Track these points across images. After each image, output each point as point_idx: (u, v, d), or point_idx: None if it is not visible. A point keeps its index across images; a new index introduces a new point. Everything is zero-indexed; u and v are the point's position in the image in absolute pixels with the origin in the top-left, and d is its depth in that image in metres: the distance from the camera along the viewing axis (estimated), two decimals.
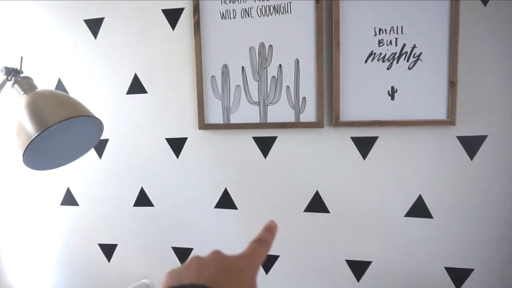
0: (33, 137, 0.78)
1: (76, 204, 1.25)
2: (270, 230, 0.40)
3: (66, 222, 1.27)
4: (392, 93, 0.97)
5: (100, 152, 1.21)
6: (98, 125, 0.91)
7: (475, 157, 0.95)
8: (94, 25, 1.17)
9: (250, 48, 1.04)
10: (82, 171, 1.23)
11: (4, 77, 0.89)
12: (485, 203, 0.96)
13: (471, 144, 0.95)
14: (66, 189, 1.26)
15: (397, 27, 0.95)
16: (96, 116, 0.85)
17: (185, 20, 1.10)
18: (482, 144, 0.95)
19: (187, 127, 1.13)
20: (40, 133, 0.77)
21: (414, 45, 0.94)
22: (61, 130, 0.91)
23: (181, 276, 0.32)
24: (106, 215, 1.23)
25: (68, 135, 0.92)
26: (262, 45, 1.03)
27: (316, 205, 1.06)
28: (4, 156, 1.29)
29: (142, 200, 1.19)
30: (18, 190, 1.29)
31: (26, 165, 0.84)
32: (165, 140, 1.15)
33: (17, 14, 1.22)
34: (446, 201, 0.98)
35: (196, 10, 1.06)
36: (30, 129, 0.79)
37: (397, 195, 1.01)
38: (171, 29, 1.12)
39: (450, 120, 0.93)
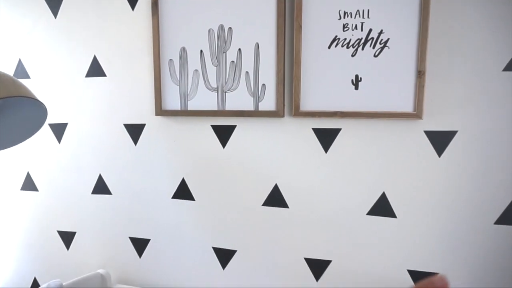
0: None
1: (36, 190, 1.25)
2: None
3: (26, 207, 1.27)
4: (356, 82, 0.92)
5: (59, 137, 1.20)
6: (41, 108, 0.89)
7: (443, 154, 0.91)
8: (54, 4, 1.15)
9: (209, 30, 1.01)
10: (41, 156, 1.23)
11: None
12: (452, 204, 0.91)
13: (440, 140, 0.91)
14: (26, 174, 1.26)
15: (363, 10, 0.90)
16: (39, 99, 0.83)
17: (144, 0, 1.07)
18: (451, 140, 0.90)
19: (145, 113, 1.11)
20: None
21: (381, 30, 0.89)
22: (1, 110, 0.90)
23: None
24: (65, 201, 1.23)
25: (7, 116, 0.91)
26: (221, 27, 1.00)
27: (275, 199, 1.04)
28: None
29: (100, 187, 1.18)
30: None
31: None
32: (123, 126, 1.13)
33: None
34: (411, 200, 0.94)
35: None
36: None
37: (360, 192, 0.97)
38: (130, 9, 1.09)
39: (417, 113, 0.89)
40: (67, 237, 1.25)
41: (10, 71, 1.21)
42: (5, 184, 1.28)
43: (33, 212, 1.27)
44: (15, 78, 0.85)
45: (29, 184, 1.25)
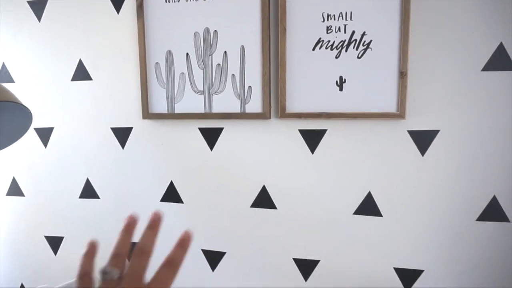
0: None
1: (22, 195, 1.24)
2: (183, 245, 0.42)
3: (12, 212, 1.26)
4: (341, 83, 0.94)
5: (45, 141, 1.20)
6: (26, 113, 0.89)
7: (426, 153, 0.93)
8: (38, 7, 1.15)
9: (194, 33, 1.01)
10: (27, 160, 1.22)
11: None
12: (436, 202, 0.94)
13: (422, 139, 0.93)
14: (12, 179, 1.25)
15: (346, 12, 0.92)
16: (24, 103, 0.83)
17: (130, 2, 1.07)
18: (433, 140, 0.92)
19: (132, 117, 1.11)
20: None
21: (364, 32, 0.91)
22: None
23: None
24: (52, 206, 1.22)
25: None
26: (207, 30, 1.01)
27: (263, 200, 1.05)
28: None
29: (88, 191, 1.18)
30: None
31: None
32: (111, 130, 1.13)
33: None
34: (396, 199, 0.96)
35: None
36: None
37: (346, 192, 0.99)
38: (116, 12, 1.09)
39: (399, 113, 0.91)
40: (55, 242, 1.24)
41: None
42: None
43: (19, 218, 1.26)
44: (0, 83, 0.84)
45: (15, 189, 1.24)
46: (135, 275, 0.38)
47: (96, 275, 0.40)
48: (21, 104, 0.85)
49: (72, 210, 1.20)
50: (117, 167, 1.15)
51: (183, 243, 0.42)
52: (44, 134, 1.19)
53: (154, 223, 0.43)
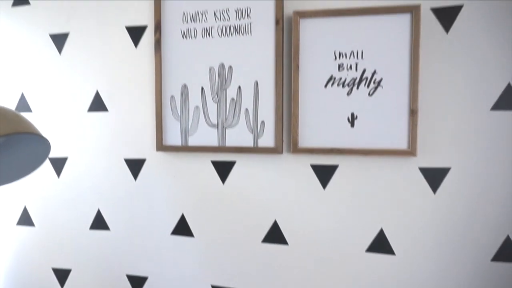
0: None
1: (32, 225, 1.25)
2: None
3: (21, 242, 1.27)
4: (352, 120, 0.97)
5: (58, 171, 1.22)
6: (45, 144, 0.91)
7: (438, 191, 0.94)
8: (60, 40, 1.20)
9: (210, 68, 1.06)
10: (40, 190, 1.24)
11: None
12: (449, 240, 0.94)
13: (434, 176, 0.94)
14: (23, 208, 1.26)
15: (357, 51, 0.96)
16: (42, 134, 0.85)
17: (147, 38, 1.12)
18: (445, 177, 0.93)
19: (146, 148, 1.14)
20: None
21: (375, 70, 0.95)
22: (5, 146, 0.92)
23: None
24: (62, 237, 1.23)
25: (11, 152, 0.93)
26: (222, 65, 1.05)
27: (275, 235, 1.05)
28: None
29: (98, 222, 1.19)
30: None
31: None
32: (124, 161, 1.16)
33: None
34: (409, 236, 0.96)
35: (158, 28, 1.08)
36: None
37: (358, 228, 0.99)
38: (134, 46, 1.14)
39: (411, 151, 0.92)
40: (62, 275, 1.24)
41: (12, 104, 1.24)
42: (1, 218, 1.28)
43: (28, 248, 1.26)
44: (19, 113, 0.88)
45: (25, 219, 1.26)
46: None
47: None
48: (41, 136, 0.88)
49: (82, 242, 1.21)
50: (128, 199, 1.16)
51: None
52: (58, 164, 1.21)
53: None
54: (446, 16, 0.91)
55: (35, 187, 1.24)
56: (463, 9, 0.90)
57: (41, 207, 1.25)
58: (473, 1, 0.89)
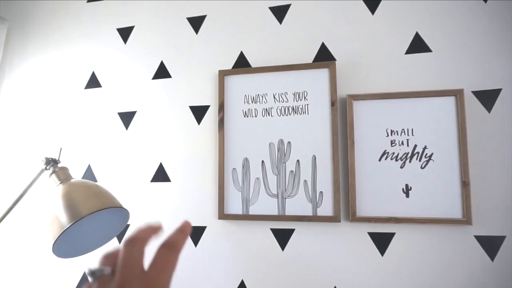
0: (65, 228, 0.88)
1: None
2: (184, 231, 0.39)
3: None
4: (407, 190, 1.05)
5: (120, 238, 1.30)
6: (124, 214, 1.01)
7: (496, 258, 0.99)
8: (127, 117, 1.35)
9: (270, 144, 1.17)
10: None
11: (44, 166, 1.02)
12: None
13: (490, 244, 1.00)
14: (82, 274, 1.32)
15: (407, 129, 1.07)
16: (122, 205, 0.95)
17: (210, 116, 1.26)
18: (501, 245, 0.99)
19: (207, 217, 1.22)
20: (72, 224, 0.87)
21: (425, 146, 1.05)
22: (91, 220, 1.02)
23: None
24: None
25: (96, 224, 1.03)
26: (281, 141, 1.16)
27: None
28: (23, 240, 1.39)
29: None
30: (39, 274, 1.37)
31: (55, 254, 0.93)
32: None
33: (58, 105, 1.41)
34: None
35: (221, 108, 1.22)
36: (64, 219, 0.90)
37: None
38: (196, 123, 1.27)
39: (466, 220, 1.00)
40: None
41: (79, 175, 1.36)
42: (60, 285, 1.34)
43: None
44: (102, 187, 0.98)
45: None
46: (130, 263, 0.34)
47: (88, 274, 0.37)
48: (123, 208, 0.97)
49: None
50: (188, 265, 1.22)
51: (184, 229, 0.39)
52: (120, 233, 1.29)
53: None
54: (488, 98, 1.03)
55: (97, 255, 1.31)
56: (502, 92, 1.03)
57: None
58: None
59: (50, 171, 1.02)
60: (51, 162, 1.03)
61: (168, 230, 1.24)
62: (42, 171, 1.03)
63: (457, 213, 1.01)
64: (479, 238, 1.01)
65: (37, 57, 1.46)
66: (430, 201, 1.04)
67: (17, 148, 1.43)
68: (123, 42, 1.38)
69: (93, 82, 1.39)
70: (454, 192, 1.02)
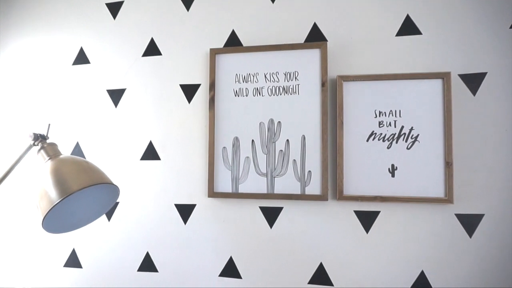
0: (55, 203, 0.88)
1: (80, 266, 1.32)
2: None
3: (67, 285, 1.33)
4: (393, 170, 1.09)
5: (109, 215, 1.31)
6: (114, 190, 1.02)
7: (473, 235, 1.04)
8: (116, 95, 1.34)
9: (260, 123, 1.19)
10: (89, 233, 1.32)
11: (32, 142, 1.02)
12: (485, 279, 1.03)
13: (469, 222, 1.05)
14: (72, 251, 1.33)
15: (395, 110, 1.10)
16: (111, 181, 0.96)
17: (200, 94, 1.27)
18: (479, 223, 1.04)
19: (196, 195, 1.24)
20: (62, 200, 0.87)
21: (412, 127, 1.09)
22: (80, 196, 1.02)
23: None
24: (109, 279, 1.29)
25: (85, 200, 1.03)
26: (271, 121, 1.18)
27: (320, 277, 1.13)
28: (11, 215, 1.39)
29: (147, 265, 1.27)
30: (28, 250, 1.37)
31: (45, 229, 0.93)
32: (174, 206, 1.26)
33: (46, 81, 1.40)
34: (448, 278, 1.05)
35: (212, 87, 1.22)
36: (53, 195, 0.90)
37: (400, 270, 1.09)
38: (187, 102, 1.28)
39: (448, 199, 1.04)
40: None
41: (67, 152, 1.35)
42: (48, 260, 1.35)
43: None
44: (93, 164, 0.99)
45: (73, 261, 1.33)
46: None
47: None
48: (113, 184, 0.98)
49: (129, 284, 1.27)
50: (177, 242, 1.25)
51: None
52: (109, 209, 1.30)
53: None
54: (474, 81, 1.07)
55: (85, 230, 1.32)
56: (487, 76, 1.06)
57: (89, 250, 1.32)
58: (496, 68, 1.05)
59: (39, 147, 1.01)
60: (40, 138, 1.02)
61: (157, 208, 1.26)
62: (30, 146, 1.02)
63: (439, 192, 1.06)
64: (459, 216, 1.06)
65: (24, 31, 1.43)
66: (414, 180, 1.08)
67: (4, 124, 1.41)
68: (112, 17, 1.36)
69: (81, 58, 1.38)
70: (437, 172, 1.06)
